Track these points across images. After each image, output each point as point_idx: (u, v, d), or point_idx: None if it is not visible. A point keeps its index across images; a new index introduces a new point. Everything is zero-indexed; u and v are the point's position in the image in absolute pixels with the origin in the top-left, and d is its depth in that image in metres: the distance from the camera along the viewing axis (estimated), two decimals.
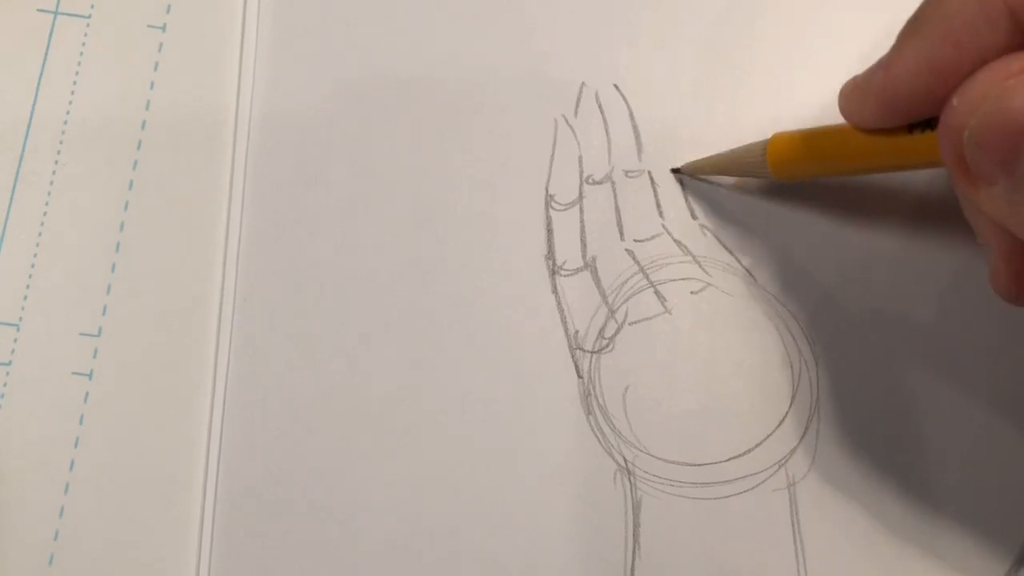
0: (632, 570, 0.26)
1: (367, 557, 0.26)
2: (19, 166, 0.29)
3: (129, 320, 0.27)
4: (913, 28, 0.20)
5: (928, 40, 0.19)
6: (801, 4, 0.30)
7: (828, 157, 0.24)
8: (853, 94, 0.22)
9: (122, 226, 0.28)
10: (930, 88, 0.19)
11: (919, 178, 0.28)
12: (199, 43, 0.30)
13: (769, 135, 0.26)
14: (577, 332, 0.27)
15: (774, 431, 0.26)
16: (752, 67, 0.29)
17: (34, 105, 0.29)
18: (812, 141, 0.25)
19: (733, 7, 0.30)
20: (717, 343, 0.27)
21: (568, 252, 0.28)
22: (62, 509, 0.26)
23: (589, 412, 0.27)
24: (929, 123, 0.21)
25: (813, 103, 0.29)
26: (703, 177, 0.28)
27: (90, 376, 0.27)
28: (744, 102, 0.29)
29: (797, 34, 0.30)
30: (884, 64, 0.21)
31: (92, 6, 0.30)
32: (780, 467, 0.26)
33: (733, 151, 0.27)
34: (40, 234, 0.28)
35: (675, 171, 0.28)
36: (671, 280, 0.28)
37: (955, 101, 0.18)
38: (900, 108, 0.21)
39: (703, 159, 0.28)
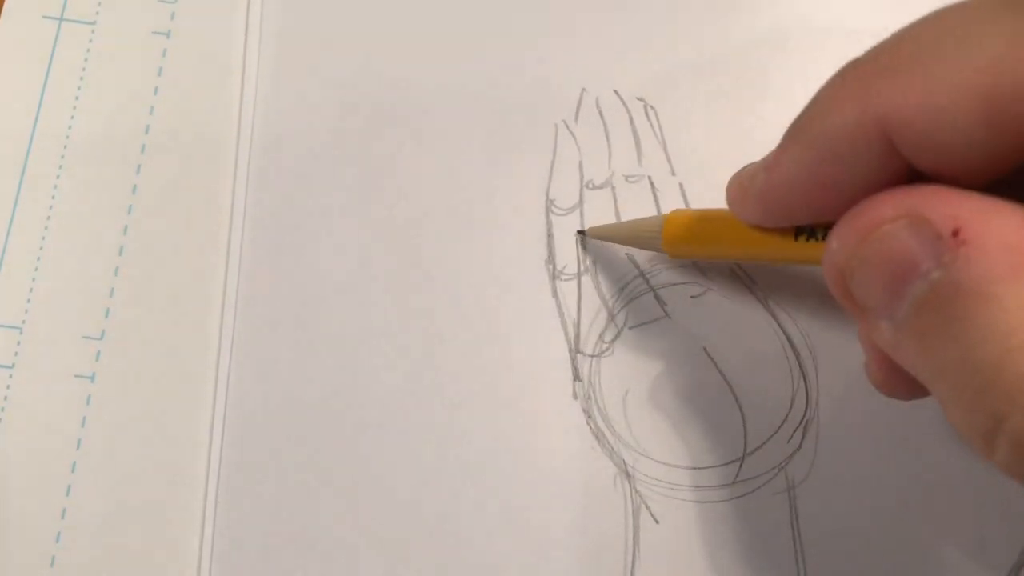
0: (632, 573, 0.26)
1: (368, 560, 0.26)
2: (24, 170, 0.29)
3: (131, 323, 0.28)
4: (796, 133, 0.19)
5: (808, 151, 0.19)
6: (793, 7, 0.30)
7: (717, 243, 0.24)
8: (737, 190, 0.22)
9: (125, 230, 0.28)
10: (810, 199, 0.19)
11: None
12: (203, 49, 0.30)
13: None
14: (577, 336, 0.27)
15: (774, 435, 0.26)
16: (752, 70, 0.30)
17: (39, 110, 0.29)
18: (704, 224, 0.24)
19: (732, 9, 0.30)
20: (716, 347, 0.27)
21: (568, 256, 0.28)
22: (64, 511, 0.26)
23: (589, 416, 0.27)
24: (813, 231, 0.21)
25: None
26: (608, 242, 0.28)
27: (92, 379, 0.27)
28: (745, 107, 0.29)
29: (795, 35, 0.30)
30: (766, 166, 0.20)
31: (97, 13, 0.31)
32: (780, 471, 0.26)
33: (633, 222, 0.27)
34: (44, 237, 0.28)
35: (580, 233, 0.28)
36: (671, 284, 0.28)
37: (834, 244, 0.18)
38: (781, 213, 0.21)
39: (604, 226, 0.27)
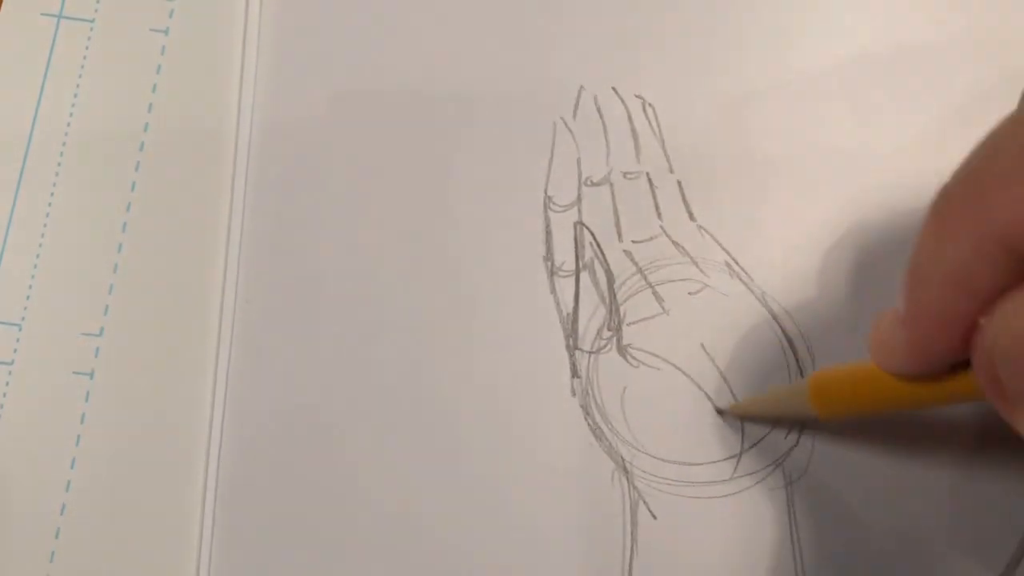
0: (630, 569, 0.26)
1: (367, 557, 0.26)
2: (23, 167, 0.29)
3: (131, 320, 0.28)
4: (917, 279, 0.19)
5: (938, 291, 0.18)
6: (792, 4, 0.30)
7: (874, 398, 0.23)
8: (881, 348, 0.21)
9: (124, 227, 0.29)
10: (958, 334, 0.18)
11: None
12: (202, 47, 0.30)
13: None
14: (575, 332, 0.27)
15: (771, 430, 0.26)
16: (750, 68, 0.30)
17: (38, 107, 0.30)
18: (854, 381, 0.23)
19: (731, 6, 0.30)
20: (714, 343, 0.27)
21: (566, 253, 0.28)
22: (63, 507, 0.26)
23: (587, 412, 0.27)
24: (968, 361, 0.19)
25: (808, 102, 0.29)
26: (751, 418, 0.27)
27: (91, 376, 0.27)
28: (742, 104, 0.29)
29: (791, 32, 0.30)
30: (903, 320, 0.19)
31: (96, 10, 0.31)
32: (777, 466, 0.26)
33: (775, 393, 0.26)
34: (43, 234, 0.28)
35: (719, 412, 0.27)
36: (669, 281, 0.28)
37: (984, 321, 0.17)
38: (934, 359, 0.20)
39: (744, 402, 0.26)
